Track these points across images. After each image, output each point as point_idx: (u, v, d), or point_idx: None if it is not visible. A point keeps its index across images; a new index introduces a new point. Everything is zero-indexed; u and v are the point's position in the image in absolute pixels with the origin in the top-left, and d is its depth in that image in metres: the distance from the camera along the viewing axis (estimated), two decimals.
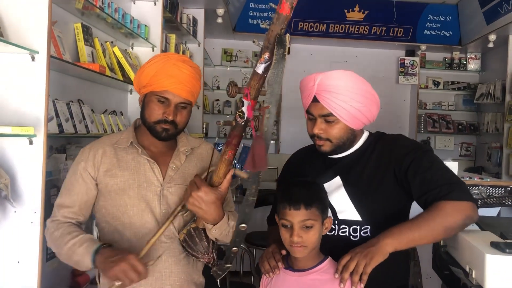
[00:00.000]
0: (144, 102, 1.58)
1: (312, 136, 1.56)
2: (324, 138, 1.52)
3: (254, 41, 1.31)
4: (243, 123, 1.35)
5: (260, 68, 1.28)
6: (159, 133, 1.55)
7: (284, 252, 1.47)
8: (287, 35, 1.24)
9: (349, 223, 1.54)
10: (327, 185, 1.55)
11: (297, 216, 1.37)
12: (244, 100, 1.31)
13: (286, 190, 1.43)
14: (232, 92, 1.33)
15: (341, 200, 1.54)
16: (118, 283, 1.37)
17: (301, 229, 1.37)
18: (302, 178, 1.51)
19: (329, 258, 1.44)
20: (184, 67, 1.54)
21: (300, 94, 1.56)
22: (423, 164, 1.47)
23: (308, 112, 1.54)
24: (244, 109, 1.32)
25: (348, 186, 1.55)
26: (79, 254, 1.44)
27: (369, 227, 1.51)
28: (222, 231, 1.48)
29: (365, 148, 1.59)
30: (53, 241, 1.52)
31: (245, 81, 1.36)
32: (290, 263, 1.46)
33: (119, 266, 1.35)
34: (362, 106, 1.48)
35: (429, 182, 1.43)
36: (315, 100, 1.49)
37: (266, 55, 1.26)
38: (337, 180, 1.56)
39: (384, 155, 1.54)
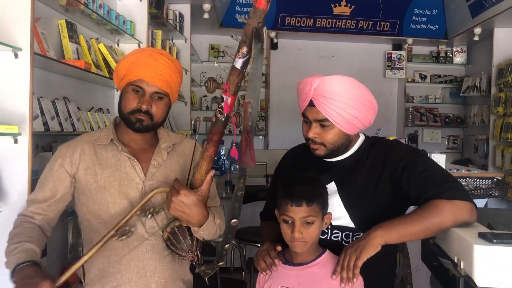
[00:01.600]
0: (121, 95, 1.55)
1: (307, 139, 1.55)
2: (318, 142, 1.52)
3: (232, 36, 1.30)
4: (223, 119, 1.33)
5: (238, 63, 1.27)
6: (133, 124, 1.51)
7: (279, 248, 1.47)
8: (265, 28, 1.22)
9: (342, 229, 1.54)
10: None
11: (298, 212, 1.37)
12: (223, 95, 1.30)
13: (288, 186, 1.42)
14: (210, 87, 1.32)
15: (335, 207, 1.53)
16: None
17: (302, 225, 1.37)
18: (304, 174, 1.50)
19: (328, 251, 1.44)
20: (160, 57, 1.52)
21: (297, 96, 1.55)
22: (418, 167, 1.46)
23: (303, 115, 1.53)
24: (223, 104, 1.30)
25: (343, 192, 1.54)
26: (9, 261, 1.38)
27: (361, 233, 1.50)
28: (209, 231, 1.47)
29: (360, 153, 1.58)
30: (9, 235, 1.46)
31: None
32: (288, 258, 1.47)
33: None
34: (358, 113, 1.47)
35: (424, 183, 1.43)
36: (311, 104, 1.48)
37: (244, 50, 1.25)
38: (332, 185, 1.55)
39: (378, 161, 1.54)
